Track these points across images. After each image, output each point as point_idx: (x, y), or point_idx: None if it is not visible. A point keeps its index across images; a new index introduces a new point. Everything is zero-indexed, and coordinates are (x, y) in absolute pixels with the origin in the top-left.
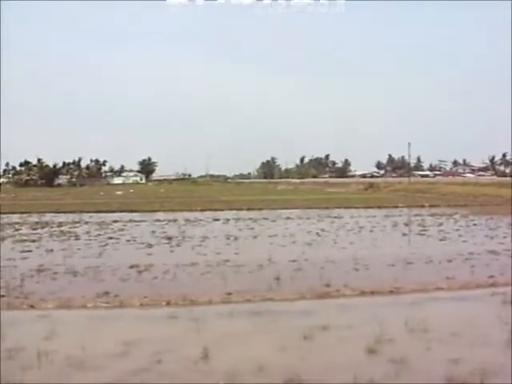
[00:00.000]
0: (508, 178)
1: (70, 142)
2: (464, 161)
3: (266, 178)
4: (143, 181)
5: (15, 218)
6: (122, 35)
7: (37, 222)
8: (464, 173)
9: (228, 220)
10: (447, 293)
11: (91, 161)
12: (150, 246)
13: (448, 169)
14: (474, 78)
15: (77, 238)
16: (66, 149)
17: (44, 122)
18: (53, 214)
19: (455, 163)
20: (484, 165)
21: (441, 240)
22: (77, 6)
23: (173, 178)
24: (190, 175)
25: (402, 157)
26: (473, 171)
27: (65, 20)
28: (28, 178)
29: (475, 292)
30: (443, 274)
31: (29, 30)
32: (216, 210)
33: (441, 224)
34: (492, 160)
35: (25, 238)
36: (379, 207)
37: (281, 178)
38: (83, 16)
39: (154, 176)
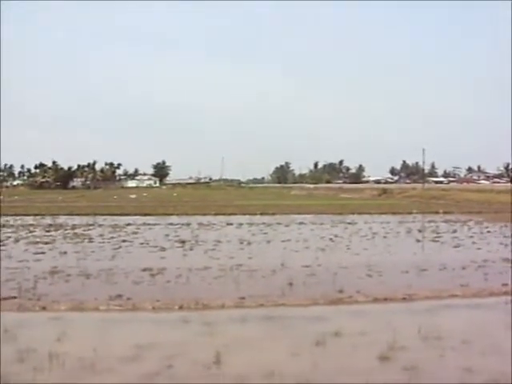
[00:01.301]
0: None
1: (70, 143)
2: (479, 167)
3: (279, 182)
4: (157, 184)
5: (29, 219)
6: (122, 35)
7: (51, 224)
8: (479, 180)
9: (241, 224)
10: (461, 300)
11: (105, 164)
12: (163, 249)
13: (462, 175)
14: (491, 86)
15: (90, 240)
16: (65, 150)
17: (44, 121)
18: (67, 217)
19: (470, 170)
20: (499, 172)
21: (455, 247)
22: (77, 6)
23: (190, 181)
24: (210, 178)
25: (416, 163)
26: (487, 178)
27: (65, 20)
28: (43, 180)
29: (489, 300)
30: (457, 282)
31: (29, 29)
32: (229, 214)
33: (455, 231)
34: (507, 167)
35: (38, 239)
36: (393, 213)
37: (294, 183)
38: (83, 16)
39: (168, 180)
